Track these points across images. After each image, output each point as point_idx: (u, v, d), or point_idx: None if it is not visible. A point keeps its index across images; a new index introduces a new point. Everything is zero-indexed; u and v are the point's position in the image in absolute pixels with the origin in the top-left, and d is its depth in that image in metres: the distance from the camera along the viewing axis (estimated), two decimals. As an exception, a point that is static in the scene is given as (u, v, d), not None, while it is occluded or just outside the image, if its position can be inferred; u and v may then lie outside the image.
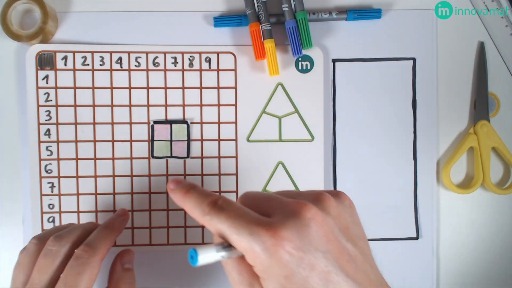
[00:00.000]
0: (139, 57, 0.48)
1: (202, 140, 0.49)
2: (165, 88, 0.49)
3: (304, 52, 0.49)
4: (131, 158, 0.48)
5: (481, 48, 0.51)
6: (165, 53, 0.48)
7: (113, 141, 0.48)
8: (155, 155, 0.49)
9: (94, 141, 0.48)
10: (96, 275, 0.38)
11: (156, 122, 0.48)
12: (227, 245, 0.30)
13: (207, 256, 0.29)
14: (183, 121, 0.48)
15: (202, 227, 0.48)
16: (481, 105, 0.50)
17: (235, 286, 0.31)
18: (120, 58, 0.48)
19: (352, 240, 0.31)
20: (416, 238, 0.50)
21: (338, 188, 0.50)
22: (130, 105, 0.48)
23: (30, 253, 0.39)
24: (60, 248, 0.38)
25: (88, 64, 0.48)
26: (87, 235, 0.40)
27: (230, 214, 0.30)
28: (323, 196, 0.32)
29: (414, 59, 0.50)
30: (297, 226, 0.29)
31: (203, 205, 0.31)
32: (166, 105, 0.48)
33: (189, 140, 0.48)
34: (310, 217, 0.29)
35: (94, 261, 0.38)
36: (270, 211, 0.31)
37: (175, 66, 0.48)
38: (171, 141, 0.48)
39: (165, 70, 0.48)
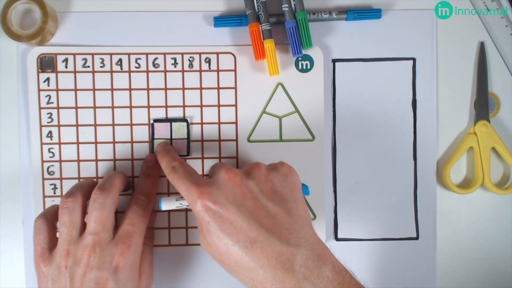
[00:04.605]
0: (139, 59, 0.48)
1: (202, 140, 0.49)
2: (165, 89, 0.48)
3: (304, 52, 0.49)
4: (132, 160, 0.48)
5: (481, 48, 0.51)
6: (165, 54, 0.48)
7: (114, 142, 0.48)
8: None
9: (96, 143, 0.48)
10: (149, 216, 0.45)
11: (156, 120, 0.48)
12: (181, 197, 0.42)
13: (168, 203, 0.42)
14: (183, 119, 0.48)
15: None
16: (481, 105, 0.51)
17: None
18: (120, 60, 0.48)
19: (275, 201, 0.38)
20: (416, 238, 0.50)
21: (338, 188, 0.50)
22: (131, 107, 0.48)
23: (73, 208, 0.41)
24: (107, 199, 0.41)
25: (88, 66, 0.48)
26: (122, 183, 0.45)
27: (179, 176, 0.40)
28: (255, 165, 0.40)
29: (414, 59, 0.50)
30: (217, 185, 0.38)
31: (168, 168, 0.42)
32: (166, 106, 0.48)
33: (189, 138, 0.48)
34: (228, 178, 0.38)
35: (151, 206, 0.45)
36: (211, 176, 0.41)
37: (175, 67, 0.48)
38: (171, 139, 0.48)
39: (165, 71, 0.48)
